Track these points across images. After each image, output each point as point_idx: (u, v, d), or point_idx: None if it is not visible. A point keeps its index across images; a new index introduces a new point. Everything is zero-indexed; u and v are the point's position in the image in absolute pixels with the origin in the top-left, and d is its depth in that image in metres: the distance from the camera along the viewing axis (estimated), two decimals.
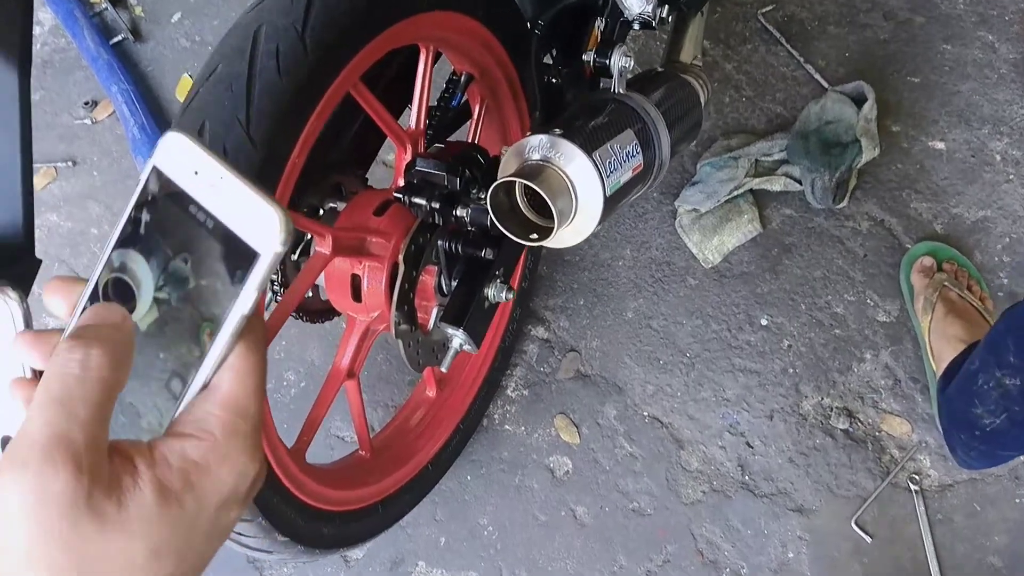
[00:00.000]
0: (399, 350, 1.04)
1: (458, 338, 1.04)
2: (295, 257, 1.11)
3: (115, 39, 1.94)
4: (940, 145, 1.69)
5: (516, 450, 1.49)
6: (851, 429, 1.46)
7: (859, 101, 1.61)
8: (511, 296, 1.06)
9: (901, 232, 1.60)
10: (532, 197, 0.90)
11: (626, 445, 1.47)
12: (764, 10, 1.86)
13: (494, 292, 1.05)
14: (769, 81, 1.78)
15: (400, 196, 1.00)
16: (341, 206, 1.11)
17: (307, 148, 0.85)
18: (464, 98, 1.19)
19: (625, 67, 0.98)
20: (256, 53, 0.77)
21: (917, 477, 1.41)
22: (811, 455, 1.45)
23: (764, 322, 1.55)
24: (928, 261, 1.51)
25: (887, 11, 1.88)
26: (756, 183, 1.61)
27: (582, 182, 0.86)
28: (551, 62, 1.15)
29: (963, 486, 1.40)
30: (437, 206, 0.98)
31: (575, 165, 0.86)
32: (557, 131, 0.87)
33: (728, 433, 1.47)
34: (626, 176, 0.91)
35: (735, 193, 1.60)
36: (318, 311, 1.17)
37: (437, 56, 1.21)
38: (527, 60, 1.07)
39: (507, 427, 1.51)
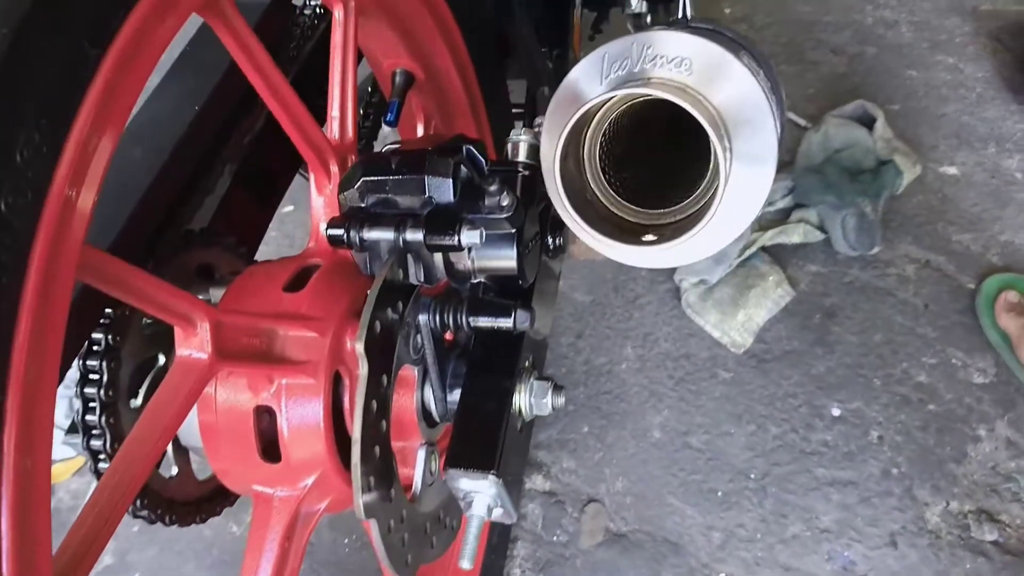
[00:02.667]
0: (373, 539, 0.52)
1: (484, 496, 0.53)
2: (137, 402, 0.58)
3: None
4: (953, 170, 1.41)
5: None
6: (1001, 539, 1.02)
7: (864, 123, 1.31)
8: (562, 400, 0.58)
9: (955, 271, 1.26)
10: (615, 177, 0.45)
11: None
12: None
13: (530, 399, 0.57)
14: None
15: (340, 233, 0.52)
16: (218, 295, 0.60)
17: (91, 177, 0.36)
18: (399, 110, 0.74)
19: None
20: None
21: None
22: None
23: (836, 412, 1.12)
24: (1013, 296, 1.16)
25: (834, 47, 1.65)
26: (770, 237, 1.23)
27: (736, 103, 0.42)
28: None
29: None
30: (417, 237, 0.50)
31: (718, 73, 0.42)
32: (659, 26, 0.43)
33: None
34: (778, 110, 0.48)
35: (747, 253, 1.22)
36: (192, 502, 0.63)
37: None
38: (512, 13, 0.65)
39: None
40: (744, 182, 0.45)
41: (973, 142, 1.46)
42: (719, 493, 1.05)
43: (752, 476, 1.06)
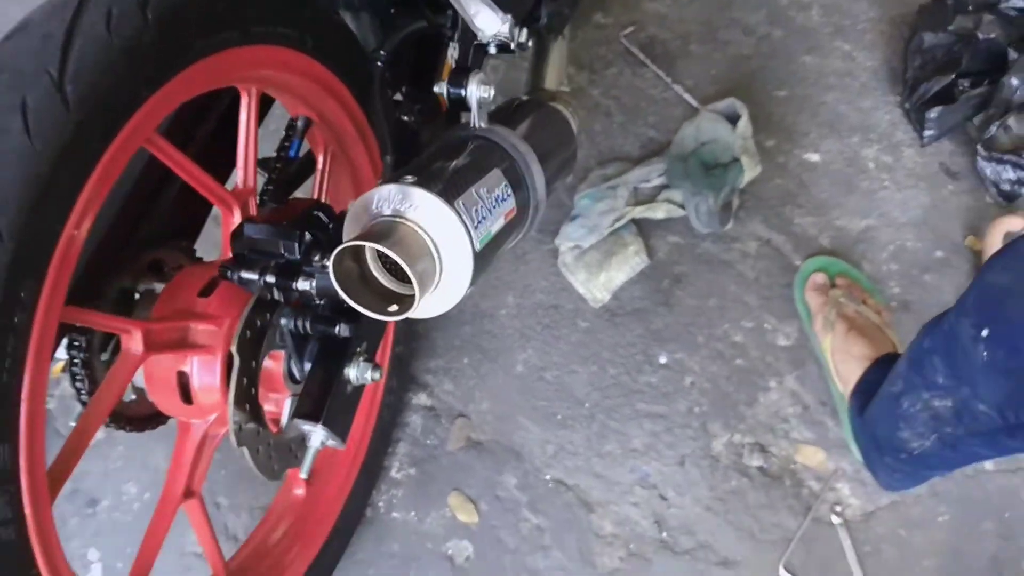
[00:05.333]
0: (245, 458, 0.85)
1: (317, 435, 0.86)
2: (105, 357, 0.90)
3: None
4: (815, 157, 1.65)
5: (408, 540, 1.30)
6: (766, 465, 1.36)
7: (732, 119, 1.55)
8: (378, 376, 0.89)
9: (789, 250, 1.54)
10: (388, 261, 0.74)
11: (531, 517, 1.32)
12: (626, 32, 1.78)
13: (356, 373, 0.88)
14: (639, 105, 1.69)
15: (227, 272, 0.82)
16: (161, 287, 0.91)
17: (89, 219, 0.65)
18: (303, 147, 1.02)
19: (484, 98, 0.84)
20: None
21: (839, 508, 1.33)
22: (728, 500, 1.33)
23: (663, 360, 1.44)
24: (820, 278, 1.45)
25: (746, 27, 1.84)
26: (638, 212, 1.51)
27: (445, 238, 0.71)
28: (400, 98, 1.00)
29: (886, 511, 1.33)
30: (272, 280, 0.80)
31: (434, 218, 0.70)
32: (409, 179, 0.71)
33: (640, 487, 1.34)
34: (497, 224, 0.77)
35: (617, 224, 1.50)
36: (145, 417, 0.96)
37: (268, 102, 1.04)
38: (371, 96, 0.91)
39: (395, 515, 1.32)
40: (451, 273, 0.74)
41: (842, 131, 1.69)
42: (558, 417, 1.38)
43: (586, 406, 1.39)
